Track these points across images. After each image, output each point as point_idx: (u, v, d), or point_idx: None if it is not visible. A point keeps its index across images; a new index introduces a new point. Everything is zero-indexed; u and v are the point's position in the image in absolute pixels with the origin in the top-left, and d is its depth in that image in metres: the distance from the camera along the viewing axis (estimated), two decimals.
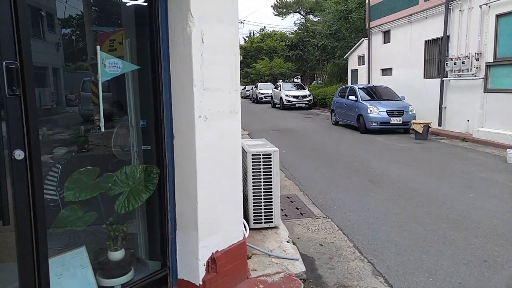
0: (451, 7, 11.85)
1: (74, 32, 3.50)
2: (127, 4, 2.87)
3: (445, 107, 12.16)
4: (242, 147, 3.56)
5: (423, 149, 9.22)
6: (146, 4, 2.51)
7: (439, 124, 12.23)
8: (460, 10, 11.49)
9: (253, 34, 55.77)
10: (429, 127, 10.66)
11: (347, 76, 21.45)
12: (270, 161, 3.76)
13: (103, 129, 2.51)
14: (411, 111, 11.87)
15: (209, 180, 2.52)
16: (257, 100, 29.35)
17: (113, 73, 2.45)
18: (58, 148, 2.94)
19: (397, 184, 5.92)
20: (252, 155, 3.73)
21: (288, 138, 11.15)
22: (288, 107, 21.96)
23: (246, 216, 3.66)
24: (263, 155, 3.75)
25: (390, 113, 11.65)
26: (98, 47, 2.37)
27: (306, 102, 22.20)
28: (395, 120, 11.60)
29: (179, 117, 2.54)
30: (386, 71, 16.29)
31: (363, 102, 12.32)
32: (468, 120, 11.13)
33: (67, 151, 2.98)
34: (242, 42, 53.66)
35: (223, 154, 2.63)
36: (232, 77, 2.67)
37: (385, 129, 11.69)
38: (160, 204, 2.60)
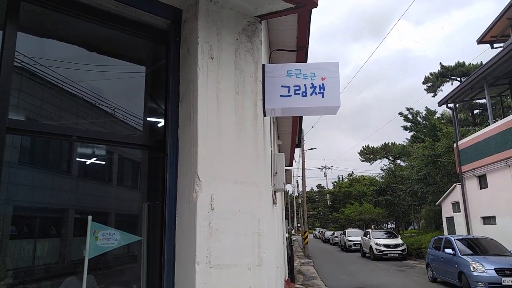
0: None
1: None
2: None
3: None
4: None
5: None
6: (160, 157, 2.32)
7: None
8: None
9: (342, 179, 56.36)
10: None
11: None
12: None
13: None
14: None
15: None
16: (345, 248, 27.40)
17: (106, 247, 2.12)
18: None
19: None
20: None
21: None
22: (379, 257, 19.85)
23: None
24: None
25: (501, 271, 9.61)
26: (89, 217, 2.13)
27: (399, 252, 19.95)
28: (509, 281, 9.44)
29: None
30: (488, 220, 14.33)
31: (462, 256, 10.60)
32: None
33: None
34: (331, 187, 54.33)
35: None
36: (254, 249, 2.19)
37: None
38: None
